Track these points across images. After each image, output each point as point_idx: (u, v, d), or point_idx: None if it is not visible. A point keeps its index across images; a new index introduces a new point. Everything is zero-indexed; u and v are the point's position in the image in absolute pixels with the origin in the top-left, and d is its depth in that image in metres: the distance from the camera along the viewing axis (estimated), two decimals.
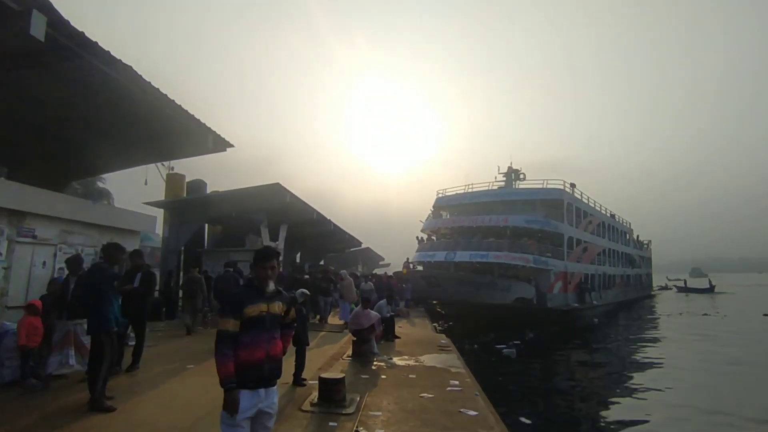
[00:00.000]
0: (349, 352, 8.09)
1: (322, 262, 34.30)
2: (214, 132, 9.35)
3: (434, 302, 24.13)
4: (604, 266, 35.10)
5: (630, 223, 46.24)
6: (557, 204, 27.61)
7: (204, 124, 8.92)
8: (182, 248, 16.28)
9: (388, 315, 10.30)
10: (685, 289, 59.83)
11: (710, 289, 57.69)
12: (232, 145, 10.31)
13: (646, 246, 53.83)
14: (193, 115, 8.51)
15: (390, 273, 25.05)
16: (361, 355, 7.81)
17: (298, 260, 29.97)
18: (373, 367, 7.31)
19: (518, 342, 18.19)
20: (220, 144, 9.86)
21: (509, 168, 31.42)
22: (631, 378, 13.13)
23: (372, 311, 8.41)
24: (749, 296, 51.58)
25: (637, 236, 50.79)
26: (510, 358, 15.69)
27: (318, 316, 13.68)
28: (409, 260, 27.70)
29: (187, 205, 15.46)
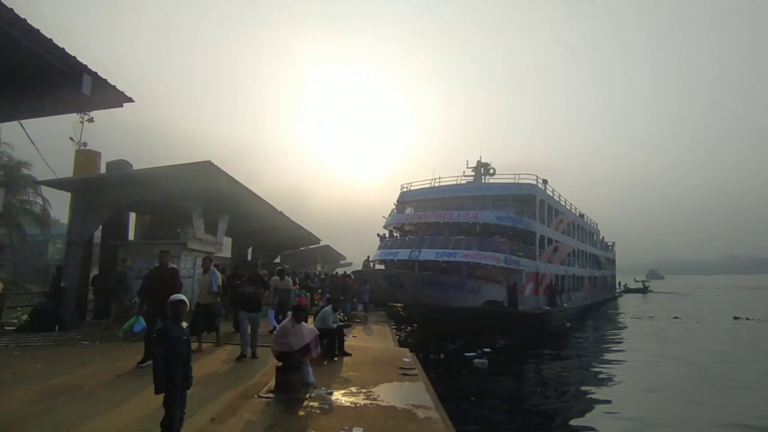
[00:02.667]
0: (272, 383, 5.61)
1: (278, 260, 31.56)
2: (95, 73, 6.67)
3: (396, 305, 21.85)
4: (574, 267, 33.94)
5: (597, 224, 45.65)
6: (529, 200, 25.94)
7: (74, 59, 6.26)
8: (91, 240, 13.36)
9: (335, 326, 7.85)
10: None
11: (644, 290, 64.51)
12: (129, 99, 7.62)
13: (610, 247, 53.69)
14: (50, 40, 5.86)
15: (349, 273, 22.69)
16: (288, 389, 5.34)
17: (249, 257, 27.12)
18: (301, 412, 4.82)
19: (489, 350, 16.41)
20: (106, 94, 7.16)
21: (478, 162, 29.54)
22: (624, 396, 11.30)
23: (306, 325, 5.93)
24: (707, 297, 53.01)
25: (603, 237, 50.46)
26: (482, 370, 13.81)
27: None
28: (370, 258, 25.31)
29: (93, 187, 12.44)
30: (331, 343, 7.73)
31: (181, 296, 4.00)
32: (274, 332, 5.85)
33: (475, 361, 14.50)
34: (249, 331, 7.73)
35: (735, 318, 27.90)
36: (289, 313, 6.10)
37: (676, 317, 29.40)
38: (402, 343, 13.97)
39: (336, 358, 7.75)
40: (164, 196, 13.24)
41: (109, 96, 7.41)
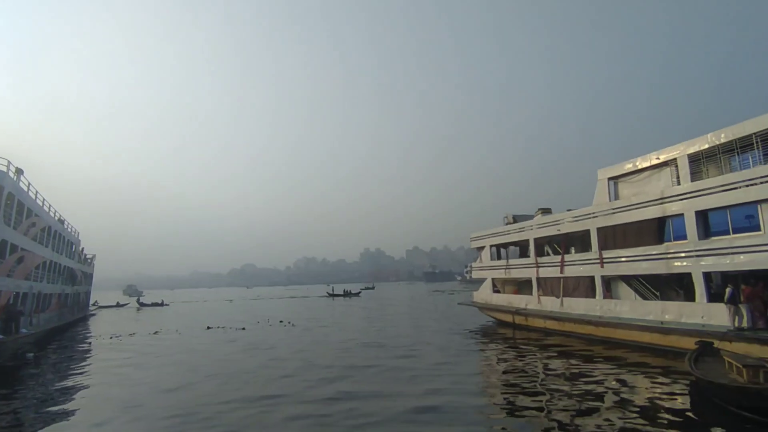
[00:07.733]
0: None
1: None
2: None
3: None
4: (42, 283, 27.80)
5: (79, 233, 40.24)
6: None
7: None
8: None
9: None
10: None
11: (161, 304, 65.71)
12: None
13: (90, 261, 48.71)
14: None
15: None
16: None
17: None
18: None
19: None
20: None
21: None
22: None
23: None
24: (181, 311, 56.20)
25: (83, 249, 45.09)
26: None
27: None
28: None
29: None
30: None
31: None
32: None
33: None
34: None
35: (208, 328, 30.77)
36: None
37: (156, 332, 29.22)
38: None
39: None
40: None
41: None
